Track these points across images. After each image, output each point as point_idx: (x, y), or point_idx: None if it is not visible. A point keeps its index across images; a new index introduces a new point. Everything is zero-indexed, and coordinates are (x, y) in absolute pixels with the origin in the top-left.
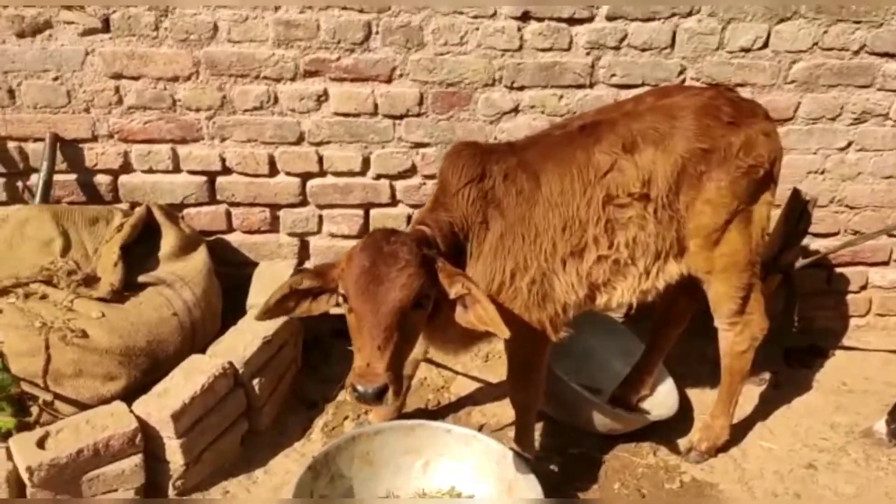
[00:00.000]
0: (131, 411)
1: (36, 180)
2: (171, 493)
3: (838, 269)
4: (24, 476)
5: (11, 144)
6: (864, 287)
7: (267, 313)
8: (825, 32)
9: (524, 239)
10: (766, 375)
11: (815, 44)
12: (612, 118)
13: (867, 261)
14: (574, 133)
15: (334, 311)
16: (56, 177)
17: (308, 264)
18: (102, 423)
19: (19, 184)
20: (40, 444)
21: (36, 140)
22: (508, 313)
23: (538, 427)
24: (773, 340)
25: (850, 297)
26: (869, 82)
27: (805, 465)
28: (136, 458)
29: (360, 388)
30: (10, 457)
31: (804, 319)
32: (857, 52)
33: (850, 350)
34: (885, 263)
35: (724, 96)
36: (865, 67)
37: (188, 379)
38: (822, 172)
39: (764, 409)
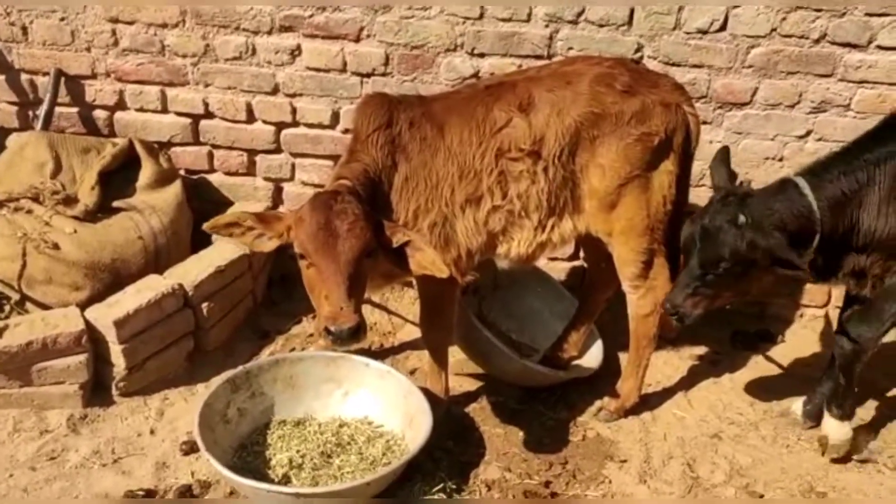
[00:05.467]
0: (83, 316)
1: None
2: (115, 393)
3: None
4: None
5: (24, 77)
6: None
7: (214, 228)
8: (784, 19)
9: (426, 183)
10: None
11: (774, 30)
12: (515, 80)
13: None
14: (480, 91)
15: None
16: (61, 109)
17: (281, 209)
18: (55, 322)
19: (30, 113)
20: None
21: (45, 74)
22: None
23: (469, 375)
24: (723, 322)
25: (807, 286)
26: (829, 72)
27: (711, 434)
28: (82, 357)
29: (335, 329)
30: None
31: (756, 305)
32: (817, 41)
33: (803, 339)
34: None
35: (624, 66)
36: (825, 57)
37: (138, 294)
38: (781, 160)
39: (691, 381)
